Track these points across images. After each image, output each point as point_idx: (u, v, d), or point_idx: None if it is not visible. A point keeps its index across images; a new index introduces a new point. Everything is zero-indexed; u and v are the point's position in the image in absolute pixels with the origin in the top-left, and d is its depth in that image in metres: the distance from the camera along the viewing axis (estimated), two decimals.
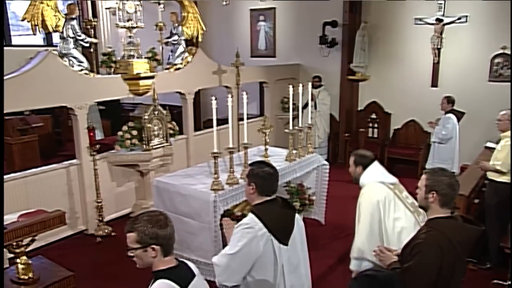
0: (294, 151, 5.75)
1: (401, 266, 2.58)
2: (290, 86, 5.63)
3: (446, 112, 6.77)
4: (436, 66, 8.55)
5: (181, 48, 7.68)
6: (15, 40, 10.84)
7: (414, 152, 8.72)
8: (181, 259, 2.23)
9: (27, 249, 3.72)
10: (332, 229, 6.17)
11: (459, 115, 6.86)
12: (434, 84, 8.62)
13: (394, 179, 3.85)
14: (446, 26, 8.31)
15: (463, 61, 8.30)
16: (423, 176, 2.66)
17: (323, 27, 9.43)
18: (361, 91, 9.64)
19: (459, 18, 8.15)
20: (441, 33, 8.34)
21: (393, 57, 9.06)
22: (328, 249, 5.55)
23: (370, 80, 9.34)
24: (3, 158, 4.72)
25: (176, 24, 7.69)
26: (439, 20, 8.31)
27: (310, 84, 6.29)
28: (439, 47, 8.40)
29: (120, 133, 6.42)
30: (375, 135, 9.48)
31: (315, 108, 8.88)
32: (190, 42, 8.30)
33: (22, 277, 3.58)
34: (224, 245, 3.24)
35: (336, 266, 5.26)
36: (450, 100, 6.77)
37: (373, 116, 9.53)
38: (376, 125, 9.50)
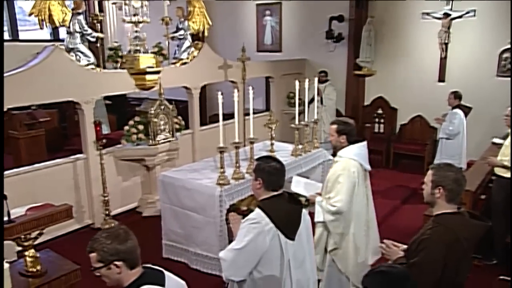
0: (300, 146, 5.75)
1: (407, 262, 2.58)
2: (296, 81, 5.62)
3: (453, 108, 6.73)
4: (443, 61, 8.50)
5: (187, 43, 7.68)
6: (22, 35, 10.88)
7: (420, 148, 8.69)
8: (143, 265, 2.18)
9: (35, 243, 3.74)
10: None
11: (466, 110, 6.82)
12: (441, 79, 8.57)
13: (369, 167, 3.91)
14: (453, 21, 8.24)
15: (471, 56, 8.24)
16: (429, 172, 2.65)
17: (330, 22, 9.39)
18: (367, 86, 9.60)
19: (467, 13, 8.08)
20: (448, 28, 8.28)
21: (400, 52, 9.01)
22: None
23: (376, 75, 9.30)
24: (3, 155, 4.76)
25: (182, 19, 7.69)
26: (446, 15, 8.25)
27: (316, 79, 6.28)
28: (446, 42, 8.34)
29: (126, 127, 6.44)
30: (381, 130, 9.45)
31: (321, 103, 8.85)
32: (196, 37, 8.30)
33: (31, 269, 3.61)
34: (230, 240, 3.25)
35: None
36: (457, 95, 6.72)
37: (379, 111, 9.50)
38: (382, 121, 9.47)
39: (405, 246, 2.76)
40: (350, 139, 3.76)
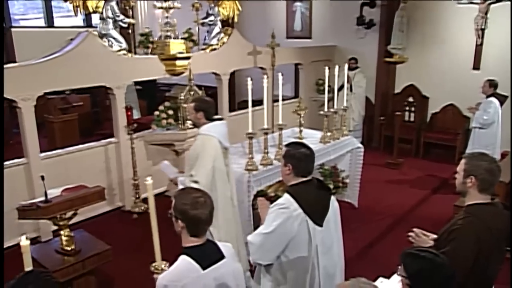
0: (329, 134, 5.71)
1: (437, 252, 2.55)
2: (326, 68, 5.57)
3: (488, 96, 6.53)
4: (478, 48, 8.18)
5: (217, 29, 7.69)
6: (57, 22, 11.17)
7: (452, 137, 8.49)
8: (213, 240, 2.26)
9: (70, 223, 3.88)
10: (365, 212, 6.14)
11: (502, 99, 6.60)
12: (476, 66, 8.27)
13: (228, 145, 4.07)
14: (491, 5, 7.91)
15: (508, 43, 7.92)
16: (462, 161, 2.60)
17: (361, 8, 9.22)
18: (398, 74, 9.41)
19: None
20: (486, 13, 7.94)
21: (433, 39, 8.77)
22: (361, 232, 5.53)
23: (408, 62, 9.07)
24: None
25: (212, 5, 7.69)
26: None
27: (346, 66, 6.20)
28: (483, 27, 8.01)
29: (156, 112, 6.53)
30: (411, 119, 9.27)
31: (351, 90, 8.75)
32: (226, 23, 8.28)
33: (66, 248, 3.75)
34: (257, 225, 3.29)
35: (368, 250, 5.25)
36: (492, 84, 6.51)
37: (410, 99, 9.30)
38: (412, 109, 9.27)
39: (435, 236, 2.74)
40: (208, 116, 3.92)
